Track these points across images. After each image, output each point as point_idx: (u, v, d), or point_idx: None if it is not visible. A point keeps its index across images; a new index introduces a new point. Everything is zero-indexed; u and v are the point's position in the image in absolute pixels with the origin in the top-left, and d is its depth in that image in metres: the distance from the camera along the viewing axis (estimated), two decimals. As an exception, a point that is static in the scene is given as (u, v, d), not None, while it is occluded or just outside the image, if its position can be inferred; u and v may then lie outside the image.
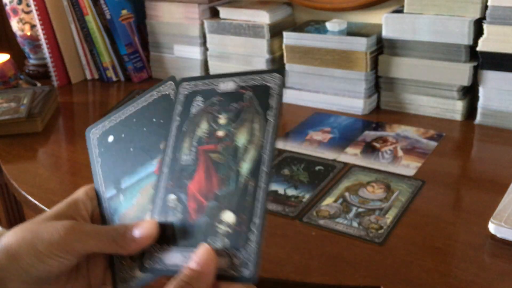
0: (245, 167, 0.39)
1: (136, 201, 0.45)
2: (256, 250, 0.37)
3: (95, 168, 0.48)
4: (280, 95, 0.39)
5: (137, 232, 0.42)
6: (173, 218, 0.41)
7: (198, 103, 0.43)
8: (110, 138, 0.47)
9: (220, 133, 0.41)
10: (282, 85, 0.40)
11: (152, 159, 0.44)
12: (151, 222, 0.42)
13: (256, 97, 0.41)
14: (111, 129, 0.48)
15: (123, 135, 0.47)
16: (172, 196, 0.42)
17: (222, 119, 0.42)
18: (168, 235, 0.41)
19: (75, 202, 0.46)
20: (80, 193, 0.47)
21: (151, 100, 0.46)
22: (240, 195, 0.39)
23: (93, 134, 0.49)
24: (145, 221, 0.42)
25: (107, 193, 0.46)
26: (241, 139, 0.40)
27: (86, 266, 0.45)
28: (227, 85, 0.42)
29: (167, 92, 0.46)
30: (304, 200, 0.71)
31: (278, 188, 0.74)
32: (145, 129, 0.46)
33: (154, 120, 0.45)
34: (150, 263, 0.41)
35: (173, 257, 0.40)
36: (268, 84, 0.40)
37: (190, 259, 0.38)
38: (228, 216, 0.39)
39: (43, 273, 0.41)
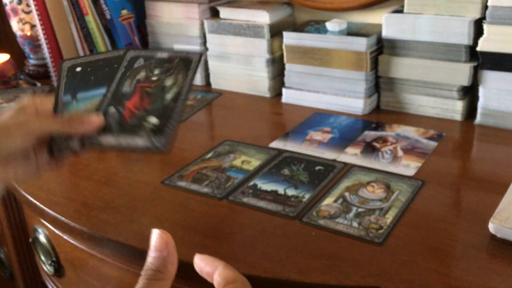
0: (169, 96, 0.59)
1: (85, 107, 0.61)
2: (170, 135, 0.56)
3: (59, 84, 0.64)
4: (198, 63, 0.61)
5: (88, 118, 0.58)
6: (112, 119, 0.59)
7: (140, 62, 0.64)
8: (78, 69, 0.64)
9: (154, 78, 0.62)
10: (200, 58, 0.62)
11: (105, 87, 0.62)
12: (98, 114, 0.59)
13: (182, 62, 0.62)
14: (81, 64, 0.65)
15: (89, 69, 0.64)
16: (112, 109, 0.60)
17: (156, 71, 0.62)
18: (106, 127, 0.59)
19: (22, 106, 0.59)
20: (24, 100, 0.60)
21: (118, 54, 0.65)
22: (164, 109, 0.58)
23: (65, 64, 0.65)
24: (94, 114, 0.59)
25: (64, 98, 0.62)
26: (168, 82, 0.61)
27: (34, 151, 0.58)
28: (163, 54, 0.64)
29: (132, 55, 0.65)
30: (304, 200, 0.71)
31: (278, 188, 0.74)
32: (107, 69, 0.63)
33: (115, 66, 0.64)
34: (89, 142, 0.58)
35: (108, 140, 0.58)
36: (191, 57, 0.62)
37: (121, 143, 0.57)
38: (153, 119, 0.58)
39: (10, 149, 0.55)
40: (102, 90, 0.62)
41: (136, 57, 0.64)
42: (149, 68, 0.63)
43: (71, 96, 0.62)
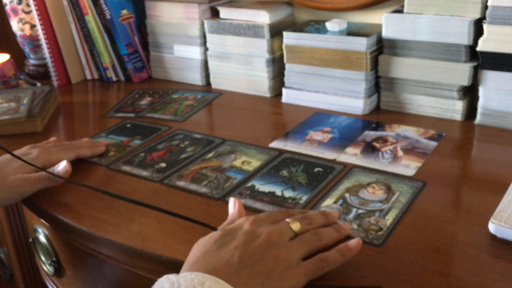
0: (183, 155, 0.83)
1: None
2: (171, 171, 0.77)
3: None
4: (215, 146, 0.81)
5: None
6: (137, 158, 0.84)
7: (180, 136, 0.88)
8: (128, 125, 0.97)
9: (182, 145, 0.85)
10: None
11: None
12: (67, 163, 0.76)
13: (206, 142, 0.85)
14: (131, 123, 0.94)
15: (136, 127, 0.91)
16: (142, 154, 0.82)
17: (187, 143, 0.88)
18: (129, 161, 0.81)
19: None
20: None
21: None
22: (174, 160, 0.80)
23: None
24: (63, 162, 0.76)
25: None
26: (189, 149, 0.83)
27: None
28: (196, 135, 0.88)
29: None
30: (301, 202, 0.71)
31: (276, 189, 0.74)
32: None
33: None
34: (113, 167, 0.80)
35: (126, 168, 0.81)
36: (214, 141, 0.82)
37: (133, 171, 0.80)
38: (163, 164, 0.81)
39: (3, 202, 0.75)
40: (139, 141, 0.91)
41: (179, 133, 0.93)
42: (183, 140, 0.90)
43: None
